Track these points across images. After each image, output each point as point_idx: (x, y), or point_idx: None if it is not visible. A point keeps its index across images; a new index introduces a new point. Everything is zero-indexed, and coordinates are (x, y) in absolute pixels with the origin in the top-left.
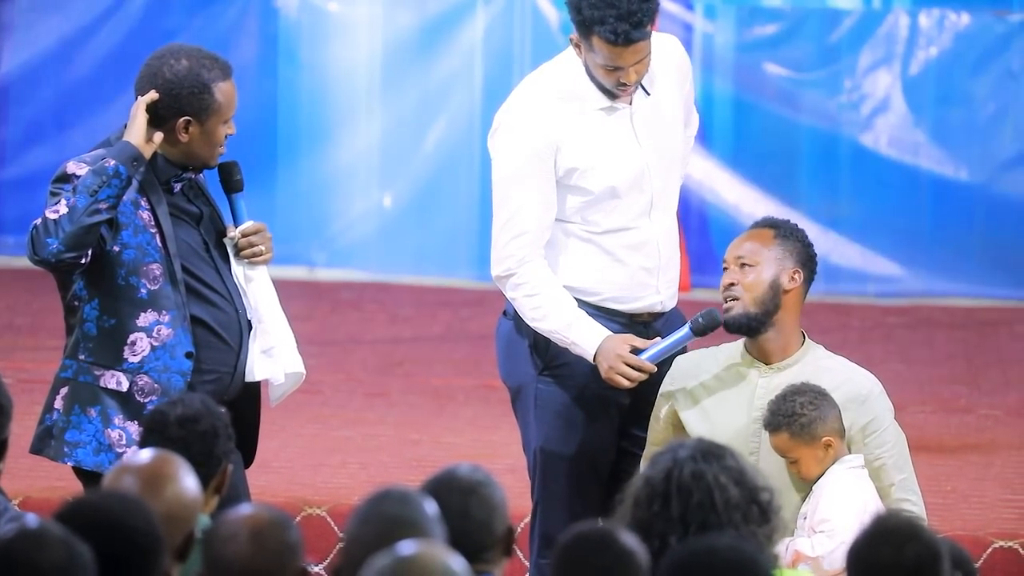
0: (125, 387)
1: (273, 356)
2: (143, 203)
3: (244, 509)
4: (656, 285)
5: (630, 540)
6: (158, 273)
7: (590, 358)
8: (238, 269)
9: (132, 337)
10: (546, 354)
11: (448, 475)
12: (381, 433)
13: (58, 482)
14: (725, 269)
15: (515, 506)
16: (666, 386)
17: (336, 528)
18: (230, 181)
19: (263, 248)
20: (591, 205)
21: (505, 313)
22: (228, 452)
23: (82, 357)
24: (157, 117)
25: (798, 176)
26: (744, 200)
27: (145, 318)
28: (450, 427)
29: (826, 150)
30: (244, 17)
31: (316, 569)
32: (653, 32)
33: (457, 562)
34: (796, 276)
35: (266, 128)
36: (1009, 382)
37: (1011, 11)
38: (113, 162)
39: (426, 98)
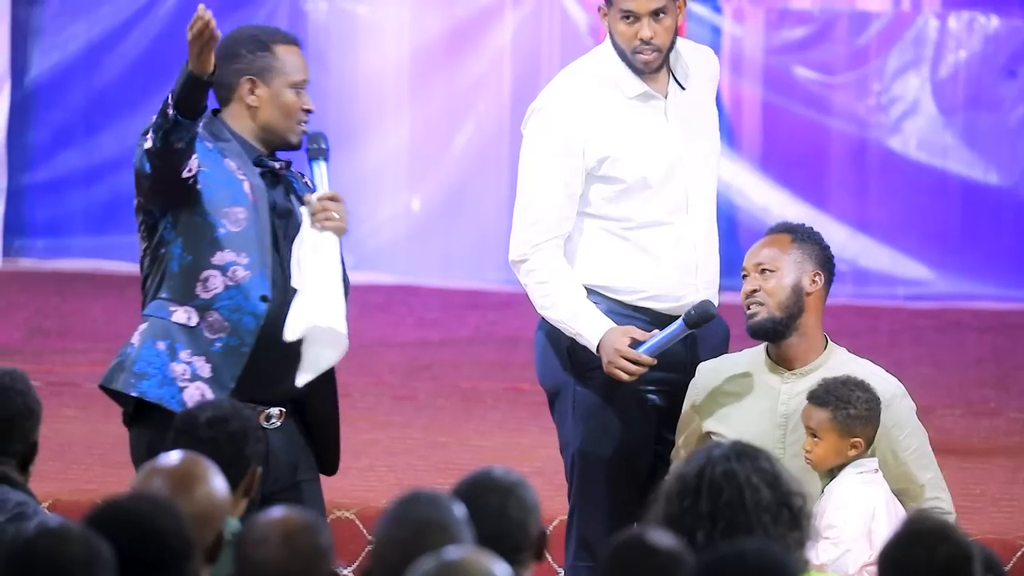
0: (194, 322)
1: (311, 311)
2: (229, 158)
3: (275, 512)
4: (695, 284)
5: (676, 546)
6: (242, 216)
7: (593, 349)
8: (310, 235)
9: (205, 274)
10: (584, 356)
11: (484, 476)
12: (409, 436)
13: (87, 484)
14: (745, 277)
15: (544, 509)
16: (690, 396)
17: (365, 531)
18: (313, 148)
19: (335, 215)
20: (624, 196)
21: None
22: (257, 454)
23: (163, 295)
24: (224, 87)
25: (827, 179)
26: (773, 203)
27: (222, 256)
28: (478, 430)
29: (855, 153)
30: (272, 20)
31: (345, 572)
32: (686, 40)
33: (501, 568)
34: (817, 278)
35: None
36: None
37: None
38: (171, 110)
39: (454, 101)
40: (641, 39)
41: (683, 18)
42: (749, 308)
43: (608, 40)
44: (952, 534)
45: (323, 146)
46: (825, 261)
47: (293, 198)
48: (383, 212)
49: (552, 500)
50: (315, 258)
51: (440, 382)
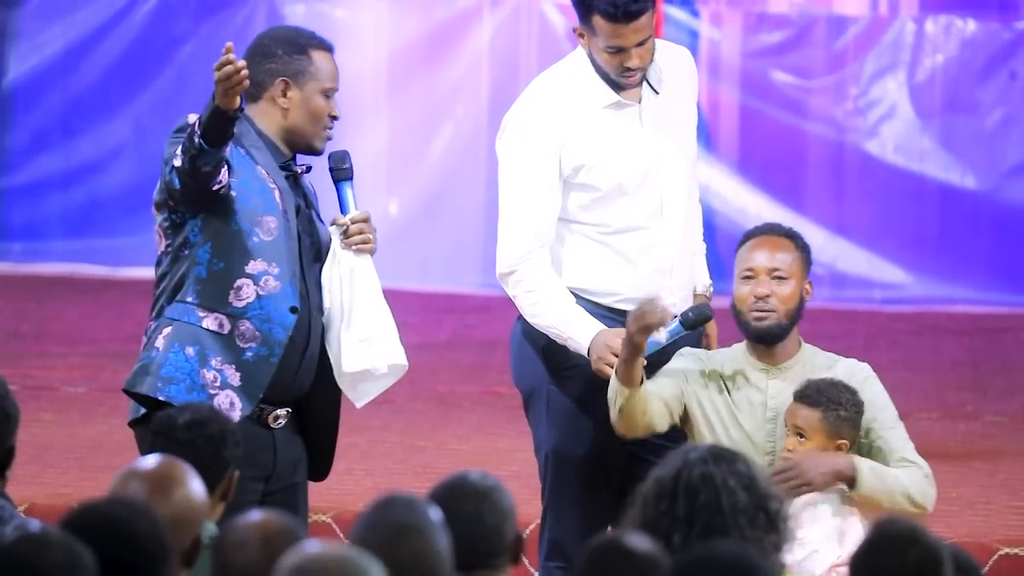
0: (227, 330)
1: (371, 346)
2: (259, 165)
3: (254, 516)
4: (670, 286)
5: (653, 549)
6: (273, 226)
7: (584, 352)
8: (345, 258)
9: (239, 282)
10: (559, 358)
11: (460, 481)
12: (386, 440)
13: (63, 488)
14: (750, 277)
15: (521, 513)
16: (681, 365)
17: (342, 534)
18: (339, 169)
19: (370, 236)
20: (600, 203)
21: (519, 317)
22: (235, 459)
23: (189, 299)
24: (256, 84)
25: (804, 183)
26: (750, 207)
27: (254, 266)
28: (455, 434)
29: (833, 157)
30: (250, 24)
31: None
32: (662, 40)
33: (376, 570)
34: (810, 287)
35: None
36: (1015, 389)
37: (1018, 18)
38: (198, 138)
39: (432, 105)
40: (628, 67)
41: (658, 20)
42: (755, 311)
43: (581, 50)
44: (922, 538)
45: (348, 165)
46: (810, 269)
47: (307, 201)
48: None
49: (529, 504)
50: (356, 283)
51: (417, 386)
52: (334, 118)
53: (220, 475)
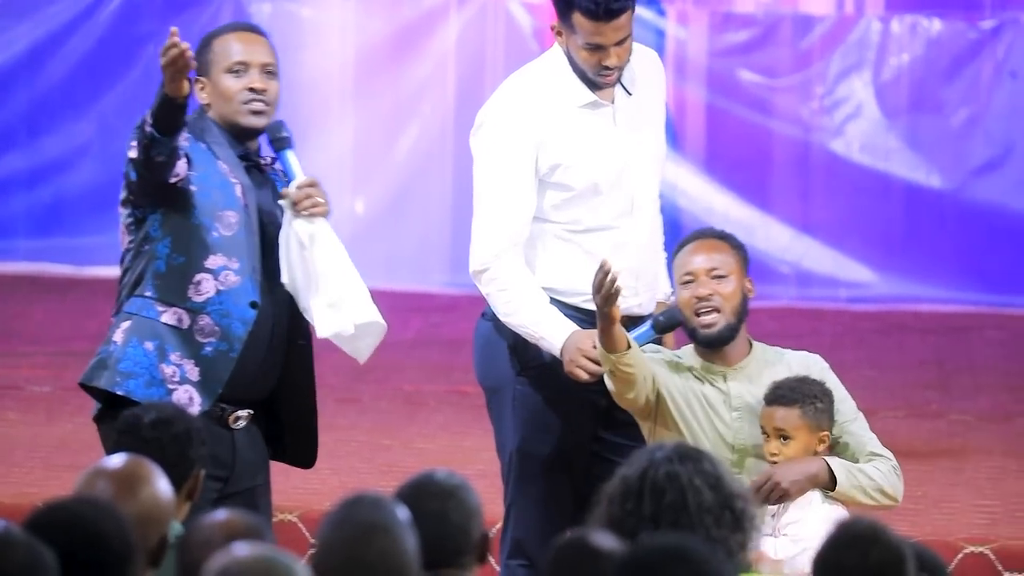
0: (186, 324)
1: (340, 309)
2: (221, 160)
3: (219, 515)
4: (636, 287)
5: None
6: (234, 221)
7: (557, 353)
8: (300, 227)
9: (198, 277)
10: (525, 355)
11: (426, 479)
12: (352, 439)
13: (29, 488)
14: (689, 282)
15: (487, 511)
16: (655, 356)
17: (308, 534)
18: (276, 139)
19: (320, 200)
20: (573, 202)
21: (484, 315)
22: (200, 457)
23: (148, 294)
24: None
25: (771, 181)
26: (717, 205)
27: (214, 260)
28: (422, 432)
29: (799, 156)
30: (216, 23)
31: None
32: (636, 43)
33: (303, 571)
34: (751, 285)
35: None
36: (980, 387)
37: (983, 18)
38: (150, 128)
39: (399, 104)
40: (606, 66)
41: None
42: (702, 315)
43: (557, 49)
44: (884, 536)
45: (285, 134)
46: (748, 268)
47: (270, 194)
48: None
49: (495, 503)
50: (316, 248)
51: (384, 385)
52: (253, 90)
53: (186, 474)
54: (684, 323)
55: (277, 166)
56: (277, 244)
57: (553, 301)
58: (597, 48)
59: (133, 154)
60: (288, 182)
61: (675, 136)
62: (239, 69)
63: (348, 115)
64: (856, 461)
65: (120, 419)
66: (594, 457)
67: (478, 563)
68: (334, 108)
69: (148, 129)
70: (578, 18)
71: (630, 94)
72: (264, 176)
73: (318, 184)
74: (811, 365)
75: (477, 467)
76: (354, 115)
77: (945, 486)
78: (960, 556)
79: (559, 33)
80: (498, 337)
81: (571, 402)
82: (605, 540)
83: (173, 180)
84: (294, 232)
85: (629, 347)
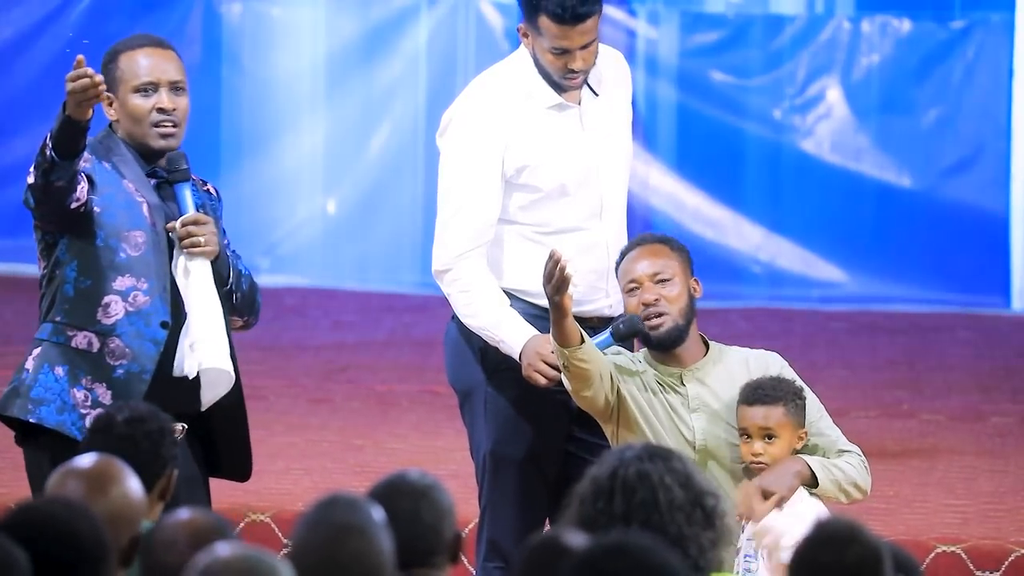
0: (96, 348)
1: (195, 349)
2: (127, 179)
3: (183, 515)
4: (606, 289)
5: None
6: (141, 241)
7: (516, 356)
8: (179, 262)
9: (106, 299)
10: (496, 357)
11: (398, 479)
12: (325, 439)
13: (1, 488)
14: (634, 289)
15: (460, 511)
16: (615, 369)
17: (280, 534)
18: (174, 171)
19: (201, 240)
20: (541, 203)
21: (453, 317)
22: (172, 458)
23: (57, 318)
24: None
25: (742, 181)
26: (688, 205)
27: (122, 282)
28: (394, 433)
29: (769, 155)
30: (187, 22)
31: None
32: (601, 44)
33: (285, 571)
34: (697, 285)
35: (209, 133)
36: (951, 387)
37: (952, 18)
38: (50, 151)
39: (370, 104)
40: (571, 69)
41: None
42: (651, 319)
43: (524, 51)
44: (861, 535)
45: (184, 167)
46: (693, 268)
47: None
48: (298, 215)
49: (467, 503)
50: (190, 287)
51: (356, 385)
52: (162, 111)
53: (159, 472)
54: (643, 328)
55: (212, 189)
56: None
57: (521, 302)
58: (563, 52)
59: (31, 179)
60: (211, 199)
61: (647, 135)
62: (147, 88)
63: (319, 115)
64: (827, 453)
65: (93, 419)
66: (569, 457)
67: (451, 563)
68: (305, 108)
69: (49, 153)
70: (544, 21)
71: (597, 95)
72: (172, 189)
73: (205, 222)
74: (770, 363)
75: (450, 467)
76: (325, 115)
77: (917, 486)
78: (932, 555)
79: (525, 35)
80: (469, 339)
81: (543, 403)
82: (576, 539)
83: (74, 206)
84: (177, 265)
85: (583, 342)
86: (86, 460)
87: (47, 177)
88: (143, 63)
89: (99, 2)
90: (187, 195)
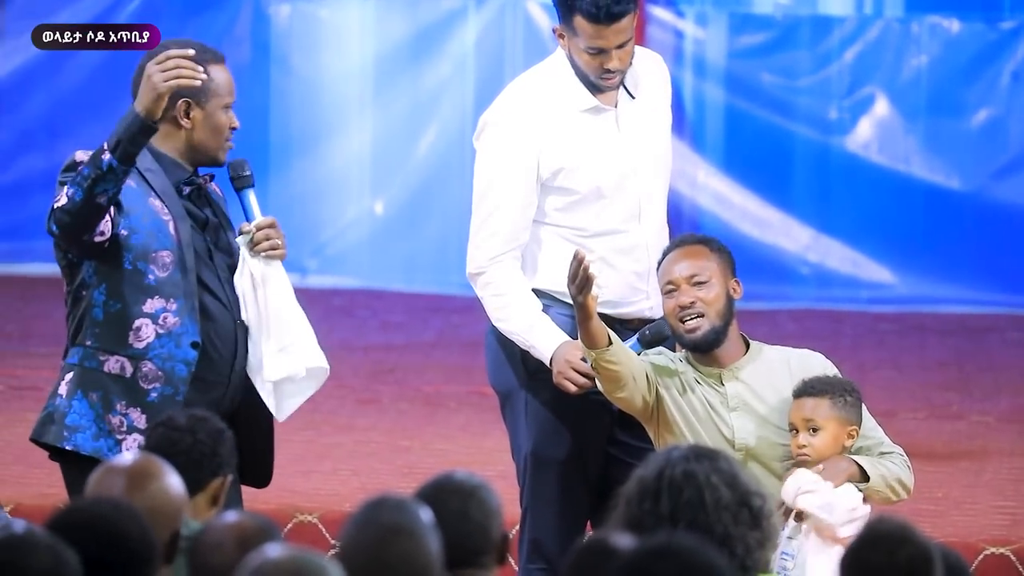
0: (129, 372)
1: (291, 353)
2: (154, 194)
3: (230, 517)
4: (647, 291)
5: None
6: (168, 261)
7: (547, 362)
8: (255, 266)
9: (137, 323)
10: (536, 359)
11: (446, 479)
12: (372, 440)
13: (49, 489)
14: (672, 291)
15: (507, 512)
16: (652, 369)
17: (328, 535)
18: (239, 177)
19: (279, 242)
20: (578, 206)
21: None
22: (229, 464)
23: (88, 343)
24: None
25: (791, 183)
26: (737, 206)
27: (151, 304)
28: (441, 433)
29: (818, 157)
30: (236, 23)
31: None
32: (639, 46)
33: (335, 572)
34: (737, 286)
35: (258, 134)
36: (1000, 389)
37: (1002, 19)
38: (107, 155)
39: (418, 105)
40: (607, 69)
41: (643, 19)
42: (687, 321)
43: (560, 53)
44: (913, 536)
45: (248, 173)
46: (734, 267)
47: (213, 209)
48: (347, 216)
49: (515, 504)
50: (271, 293)
51: (404, 386)
52: (234, 129)
53: (216, 471)
54: (671, 334)
55: (214, 186)
56: (213, 260)
57: (560, 304)
58: (599, 52)
59: (62, 201)
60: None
61: (695, 136)
62: (228, 106)
63: (367, 116)
64: (871, 455)
65: (156, 420)
66: (611, 460)
67: (498, 563)
68: (353, 109)
69: (106, 157)
70: (579, 21)
71: (633, 98)
72: (200, 193)
73: (277, 225)
74: (813, 363)
75: (498, 468)
76: (373, 116)
77: (965, 487)
78: (980, 557)
79: (561, 36)
80: (509, 341)
81: (583, 404)
82: (624, 541)
83: (98, 240)
84: (248, 271)
85: (611, 343)
86: (126, 457)
87: (92, 190)
88: (229, 81)
89: (149, 3)
90: (253, 200)
